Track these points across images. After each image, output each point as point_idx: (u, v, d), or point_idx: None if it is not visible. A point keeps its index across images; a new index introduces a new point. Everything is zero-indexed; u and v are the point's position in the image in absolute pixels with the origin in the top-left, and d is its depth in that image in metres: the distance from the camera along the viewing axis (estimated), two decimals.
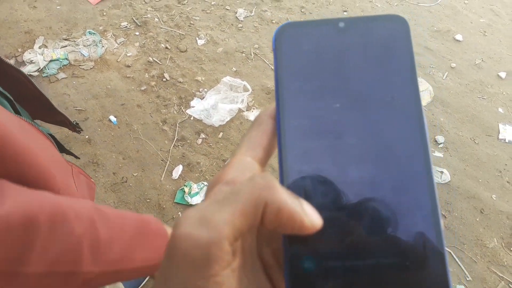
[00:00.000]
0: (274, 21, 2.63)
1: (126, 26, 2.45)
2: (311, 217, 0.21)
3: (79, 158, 0.96)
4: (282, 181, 0.24)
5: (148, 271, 0.56)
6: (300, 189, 0.24)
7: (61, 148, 0.76)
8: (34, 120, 0.72)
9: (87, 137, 1.96)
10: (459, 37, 2.60)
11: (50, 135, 0.66)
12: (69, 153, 0.86)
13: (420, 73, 2.45)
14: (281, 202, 0.20)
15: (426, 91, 2.37)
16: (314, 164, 0.25)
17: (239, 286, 0.20)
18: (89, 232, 0.47)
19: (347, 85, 0.28)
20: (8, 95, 0.62)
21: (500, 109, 2.31)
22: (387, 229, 0.23)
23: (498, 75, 2.45)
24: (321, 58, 0.29)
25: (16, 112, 0.62)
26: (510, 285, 1.71)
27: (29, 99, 0.74)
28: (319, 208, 0.23)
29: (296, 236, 0.22)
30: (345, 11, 2.69)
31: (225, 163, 1.82)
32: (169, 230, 0.60)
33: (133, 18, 2.49)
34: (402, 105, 0.27)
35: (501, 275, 1.74)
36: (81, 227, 0.46)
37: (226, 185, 0.22)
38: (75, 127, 0.88)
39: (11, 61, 1.03)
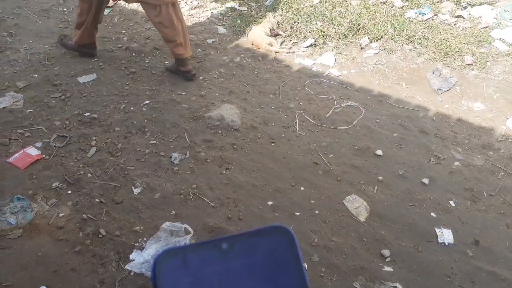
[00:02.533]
0: (208, 160, 2.72)
1: (58, 186, 2.40)
2: None
3: None
4: None
5: None
6: None
7: None
8: None
9: None
10: (379, 152, 2.84)
11: None
12: None
13: (352, 190, 2.57)
14: None
15: (361, 206, 2.47)
16: None
17: None
18: None
19: None
20: None
21: (432, 214, 2.44)
22: None
23: (422, 182, 2.64)
24: (204, 284, 0.29)
25: None
26: None
27: None
28: None
29: None
30: (273, 142, 2.87)
31: None
32: None
33: (65, 176, 2.47)
34: None
35: None
36: None
37: None
38: None
39: None
